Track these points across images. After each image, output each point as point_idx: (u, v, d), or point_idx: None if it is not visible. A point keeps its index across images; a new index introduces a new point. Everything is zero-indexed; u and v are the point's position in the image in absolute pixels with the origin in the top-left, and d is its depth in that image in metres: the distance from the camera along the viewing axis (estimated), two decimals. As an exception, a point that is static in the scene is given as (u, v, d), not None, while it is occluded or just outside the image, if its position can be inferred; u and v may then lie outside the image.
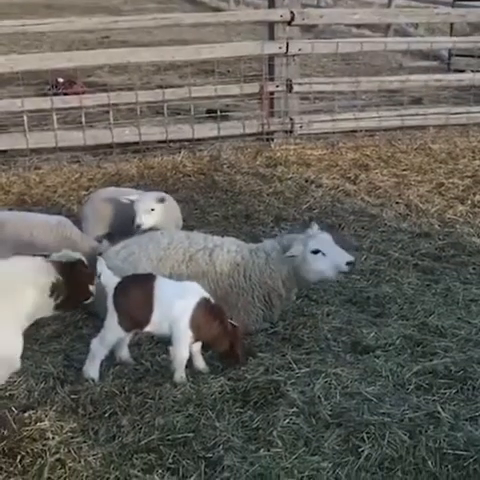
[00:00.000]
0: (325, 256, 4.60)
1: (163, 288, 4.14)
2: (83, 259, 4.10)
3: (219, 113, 8.54)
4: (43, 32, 9.79)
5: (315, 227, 4.83)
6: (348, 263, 4.59)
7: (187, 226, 5.97)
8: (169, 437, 3.63)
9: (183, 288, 4.23)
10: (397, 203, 6.99)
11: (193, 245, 4.78)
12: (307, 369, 4.20)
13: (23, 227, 5.06)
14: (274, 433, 3.67)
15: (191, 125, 8.40)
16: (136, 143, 8.26)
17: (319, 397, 3.93)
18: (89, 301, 4.17)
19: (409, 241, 6.13)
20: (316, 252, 4.60)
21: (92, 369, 4.13)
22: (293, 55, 8.47)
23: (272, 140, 8.63)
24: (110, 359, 4.27)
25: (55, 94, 8.52)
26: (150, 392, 3.99)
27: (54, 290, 3.83)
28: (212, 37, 14.38)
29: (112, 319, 4.10)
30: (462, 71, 11.37)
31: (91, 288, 4.10)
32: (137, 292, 4.13)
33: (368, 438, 3.60)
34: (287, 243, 4.72)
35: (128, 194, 5.62)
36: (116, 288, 4.11)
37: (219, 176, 7.71)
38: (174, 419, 3.76)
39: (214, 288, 4.68)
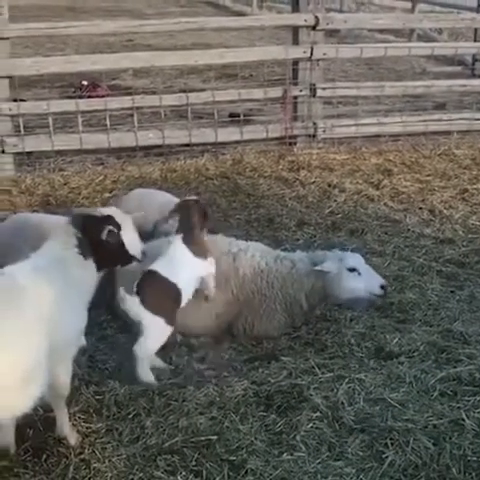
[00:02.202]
0: (360, 276, 4.62)
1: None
2: (103, 213, 3.73)
3: (242, 117, 8.56)
4: (69, 35, 9.86)
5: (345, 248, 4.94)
6: (382, 287, 4.63)
7: (210, 229, 5.98)
8: (193, 439, 3.65)
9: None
10: (421, 209, 6.96)
11: (217, 251, 4.79)
12: (330, 374, 4.20)
13: (45, 228, 5.09)
14: (297, 437, 3.68)
15: (214, 129, 8.43)
16: (159, 146, 8.29)
17: (342, 402, 3.93)
18: (134, 261, 3.81)
19: (433, 247, 6.10)
20: (352, 270, 4.62)
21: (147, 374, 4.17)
22: (317, 60, 8.47)
23: (295, 144, 8.63)
24: (135, 363, 4.30)
25: (80, 97, 8.58)
26: (174, 394, 4.02)
27: (79, 246, 3.57)
28: (235, 41, 14.41)
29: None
30: (486, 76, 11.31)
31: (128, 243, 3.72)
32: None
33: (392, 444, 3.60)
34: (318, 258, 4.72)
35: (155, 196, 5.63)
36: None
37: (242, 180, 7.72)
38: (198, 421, 3.78)
39: (237, 293, 4.69)
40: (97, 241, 3.59)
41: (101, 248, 3.61)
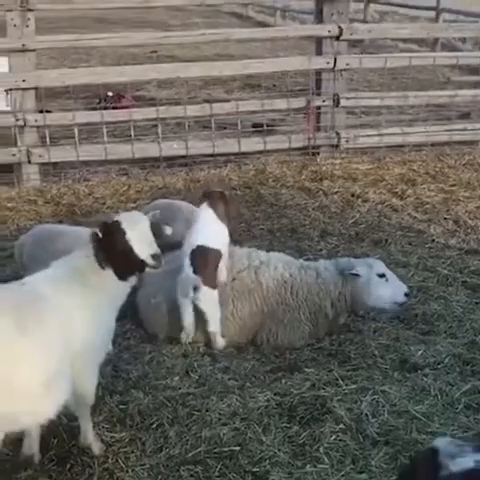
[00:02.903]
0: (387, 282, 4.67)
1: None
2: (111, 219, 3.66)
3: (265, 127, 8.58)
4: (95, 47, 9.96)
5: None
6: (406, 294, 4.69)
7: (233, 239, 6.00)
8: (216, 450, 3.65)
9: None
10: (445, 219, 6.91)
11: (236, 265, 4.79)
12: (354, 386, 4.18)
13: (70, 239, 5.12)
14: (321, 449, 3.66)
15: (237, 139, 8.45)
16: (183, 156, 8.34)
17: (366, 414, 3.91)
18: (147, 267, 3.65)
19: (457, 258, 6.06)
20: (382, 276, 4.67)
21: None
22: (341, 70, 8.47)
23: (318, 154, 8.62)
24: (158, 373, 4.32)
25: (105, 108, 8.66)
26: (197, 404, 4.03)
27: (96, 255, 3.53)
28: (258, 51, 14.46)
29: None
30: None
31: (138, 248, 3.57)
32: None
33: (416, 457, 3.57)
34: (345, 265, 4.75)
35: (179, 207, 5.64)
36: None
37: (265, 190, 7.73)
38: (221, 432, 3.78)
39: (261, 304, 4.70)
40: (108, 248, 3.53)
41: (113, 255, 3.54)
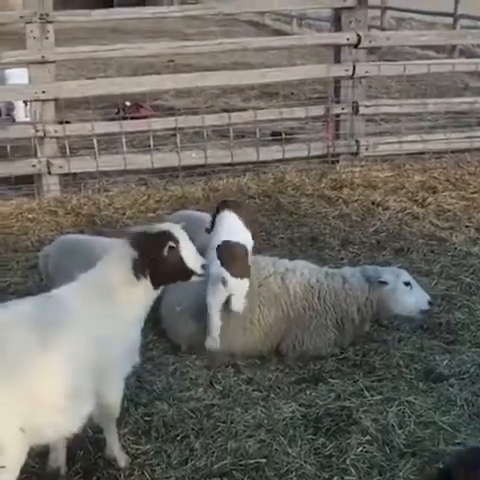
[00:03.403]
0: (412, 290, 4.74)
1: None
2: (161, 229, 3.68)
3: (284, 135, 8.57)
4: (112, 57, 10.01)
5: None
6: (429, 302, 4.74)
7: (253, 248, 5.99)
8: (242, 462, 3.64)
9: None
10: (467, 227, 6.86)
11: (262, 271, 4.81)
12: (379, 396, 4.16)
13: (96, 250, 5.14)
14: (347, 461, 3.64)
15: (256, 148, 8.45)
16: (202, 166, 8.34)
17: (393, 425, 3.89)
18: (194, 276, 3.71)
19: (481, 266, 6.01)
20: (407, 284, 4.74)
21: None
22: (360, 77, 8.45)
23: (337, 162, 8.59)
24: (182, 384, 4.32)
25: (123, 118, 8.69)
26: (222, 416, 4.02)
27: (135, 266, 3.53)
28: (276, 60, 14.46)
29: None
30: None
31: (187, 258, 3.64)
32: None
33: (444, 469, 3.53)
34: (372, 272, 4.80)
35: (200, 217, 5.65)
36: None
37: (284, 198, 7.71)
38: (246, 444, 3.77)
39: (287, 310, 4.69)
40: (156, 259, 3.54)
41: (161, 265, 3.56)
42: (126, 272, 3.52)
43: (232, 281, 4.52)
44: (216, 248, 4.63)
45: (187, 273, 3.67)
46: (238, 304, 4.56)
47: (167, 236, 3.59)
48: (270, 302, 4.68)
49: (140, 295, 3.56)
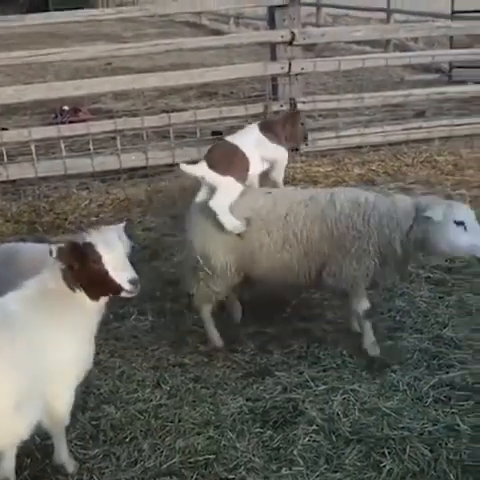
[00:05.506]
0: (466, 231, 4.26)
1: None
2: (87, 240, 3.42)
3: (224, 134, 8.60)
4: (50, 62, 9.89)
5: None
6: None
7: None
8: (191, 460, 3.66)
9: None
10: (406, 217, 6.98)
11: (313, 190, 4.87)
12: (325, 386, 4.23)
13: (38, 258, 5.06)
14: (295, 452, 3.69)
15: (197, 147, 8.46)
16: (144, 168, 8.33)
17: (338, 414, 3.95)
18: (122, 292, 3.45)
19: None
20: (460, 224, 4.26)
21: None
22: (296, 74, 8.55)
23: (278, 159, 8.66)
24: (129, 386, 4.31)
25: (61, 122, 8.60)
26: (170, 415, 4.03)
27: (64, 277, 3.41)
28: (213, 59, 14.48)
29: None
30: (463, 83, 11.43)
31: (114, 271, 3.39)
32: None
33: (389, 453, 3.62)
34: (425, 203, 4.40)
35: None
36: None
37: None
38: (195, 441, 3.79)
39: (331, 228, 4.49)
40: (81, 271, 3.38)
41: (87, 278, 3.39)
42: (60, 283, 3.43)
43: (210, 174, 4.53)
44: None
45: (114, 288, 3.41)
46: (218, 198, 4.52)
47: (91, 247, 3.36)
48: (315, 215, 4.50)
49: (81, 305, 3.45)
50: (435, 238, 4.33)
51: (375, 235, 4.45)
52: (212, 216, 4.56)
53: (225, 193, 4.54)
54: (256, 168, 4.78)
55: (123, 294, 3.44)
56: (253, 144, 4.77)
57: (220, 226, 4.54)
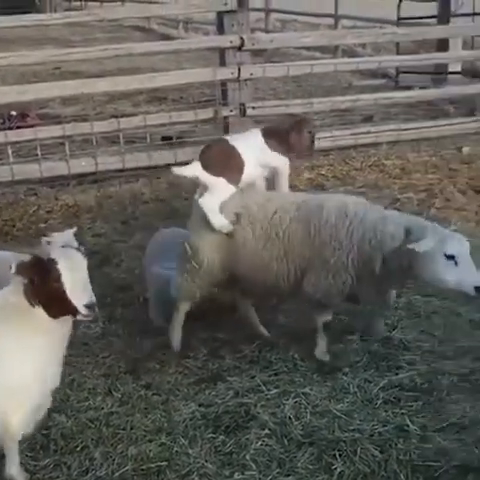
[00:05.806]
0: (457, 266, 4.01)
1: None
2: (50, 256, 3.28)
3: (175, 139, 8.59)
4: (-5, 66, 9.72)
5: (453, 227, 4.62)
6: (477, 288, 3.99)
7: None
8: (143, 467, 3.64)
9: None
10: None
11: (304, 196, 4.76)
12: (276, 390, 4.25)
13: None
14: (247, 456, 3.70)
15: (147, 153, 8.43)
16: (93, 173, 8.25)
17: (290, 417, 3.98)
18: (78, 315, 3.30)
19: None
20: (450, 257, 4.00)
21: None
22: (245, 80, 8.59)
23: (229, 164, 8.68)
24: (80, 395, 4.26)
25: (9, 128, 8.48)
26: (121, 423, 4.00)
27: (25, 291, 3.30)
28: (162, 64, 14.44)
29: None
30: (410, 88, 11.65)
31: (70, 294, 3.24)
32: None
33: (340, 455, 3.66)
34: (416, 229, 4.15)
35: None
36: None
37: (178, 203, 7.72)
38: (147, 448, 3.77)
39: (314, 235, 4.41)
40: (39, 288, 3.26)
41: (44, 296, 3.26)
42: (20, 298, 3.33)
43: (204, 174, 4.50)
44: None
45: (70, 309, 3.25)
46: (207, 197, 4.52)
47: (53, 264, 3.23)
48: (301, 218, 4.44)
49: (40, 322, 3.31)
50: (421, 268, 4.13)
51: (355, 250, 4.31)
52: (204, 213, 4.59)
53: (215, 193, 4.54)
54: (250, 172, 4.69)
55: (79, 317, 3.30)
56: (252, 148, 4.69)
57: (209, 223, 4.55)
